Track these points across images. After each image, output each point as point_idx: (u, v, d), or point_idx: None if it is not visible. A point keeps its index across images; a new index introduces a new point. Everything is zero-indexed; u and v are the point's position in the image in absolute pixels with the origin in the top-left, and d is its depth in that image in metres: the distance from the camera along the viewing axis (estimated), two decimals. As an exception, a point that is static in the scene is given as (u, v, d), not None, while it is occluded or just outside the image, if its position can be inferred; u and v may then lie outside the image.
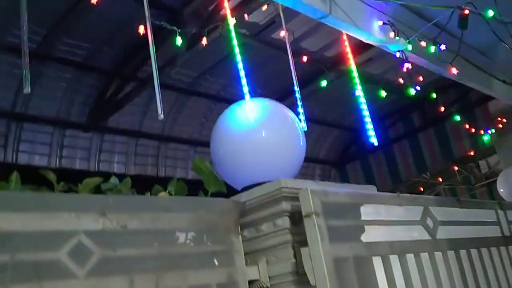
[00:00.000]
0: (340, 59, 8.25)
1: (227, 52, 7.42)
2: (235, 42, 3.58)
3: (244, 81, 3.48)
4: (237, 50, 3.54)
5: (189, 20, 6.02)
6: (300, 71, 8.19)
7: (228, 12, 3.76)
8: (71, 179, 7.61)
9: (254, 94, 9.15)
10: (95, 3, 3.91)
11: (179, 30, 4.06)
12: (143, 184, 8.68)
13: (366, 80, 8.85)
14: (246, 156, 3.28)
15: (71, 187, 2.54)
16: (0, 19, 5.85)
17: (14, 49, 5.70)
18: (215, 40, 6.08)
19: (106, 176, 8.38)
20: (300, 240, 2.77)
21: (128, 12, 5.73)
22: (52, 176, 2.59)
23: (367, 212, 2.98)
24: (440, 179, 13.18)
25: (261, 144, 3.26)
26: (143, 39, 5.93)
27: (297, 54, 7.75)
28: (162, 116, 2.97)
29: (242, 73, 3.56)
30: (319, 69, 8.51)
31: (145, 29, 3.14)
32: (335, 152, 12.37)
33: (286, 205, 2.81)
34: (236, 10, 5.56)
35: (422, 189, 13.01)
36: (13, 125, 7.06)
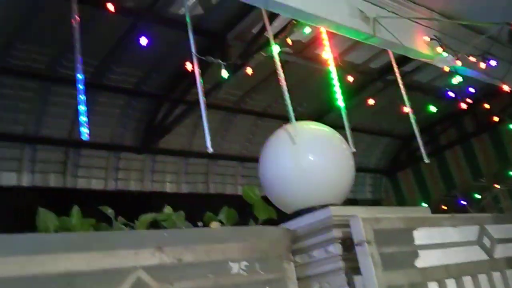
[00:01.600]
0: (386, 69, 8.17)
1: (271, 70, 7.53)
2: (279, 69, 3.62)
3: (289, 104, 3.51)
4: (282, 77, 3.57)
5: (233, 43, 6.16)
6: (347, 83, 8.20)
7: (271, 38, 3.81)
8: (127, 201, 7.85)
9: (300, 109, 9.20)
10: (145, 43, 4.06)
11: (224, 63, 4.15)
12: (195, 202, 8.84)
13: (415, 88, 8.71)
14: (294, 180, 3.29)
15: (128, 223, 2.64)
16: (55, 53, 6.17)
17: (67, 80, 6.02)
18: (259, 60, 6.18)
19: (160, 195, 8.54)
20: (353, 267, 2.76)
21: (174, 39, 5.92)
22: (109, 211, 2.71)
23: (420, 236, 2.94)
24: (496, 183, 12.72)
25: (308, 168, 3.28)
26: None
27: (342, 68, 7.74)
28: (211, 149, 3.05)
29: (287, 96, 3.58)
30: (365, 80, 8.46)
31: (192, 62, 3.22)
32: (385, 161, 12.18)
33: (337, 233, 2.81)
34: (280, 32, 5.62)
35: (479, 194, 12.58)
36: (71, 152, 7.42)
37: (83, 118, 2.61)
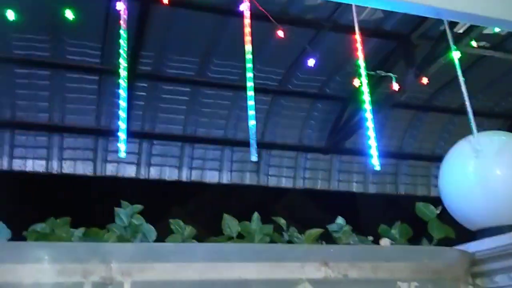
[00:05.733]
0: None
1: (467, 64, 6.95)
2: (460, 76, 3.38)
3: (470, 113, 3.25)
4: (462, 81, 3.31)
5: (419, 42, 5.88)
6: None
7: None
8: (313, 200, 8.13)
9: (503, 104, 8.27)
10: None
11: (395, 76, 4.03)
12: (383, 203, 8.63)
13: None
14: (477, 197, 3.07)
15: (296, 236, 2.79)
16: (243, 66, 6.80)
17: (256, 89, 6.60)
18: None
19: (346, 195, 8.62)
20: (543, 299, 2.47)
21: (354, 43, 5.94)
22: (282, 222, 2.90)
23: None
24: None
25: (494, 184, 3.02)
26: (375, 66, 6.07)
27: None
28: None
29: (468, 106, 3.32)
30: None
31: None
32: None
33: (523, 260, 2.55)
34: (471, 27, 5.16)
35: None
36: (263, 152, 8.02)
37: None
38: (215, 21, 5.99)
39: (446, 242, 3.01)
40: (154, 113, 7.36)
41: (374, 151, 3.24)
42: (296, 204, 7.89)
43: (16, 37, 6.08)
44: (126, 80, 2.75)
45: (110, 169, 7.59)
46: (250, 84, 2.93)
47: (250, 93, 2.84)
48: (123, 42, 2.71)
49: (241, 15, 3.85)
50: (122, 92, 2.60)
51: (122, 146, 2.55)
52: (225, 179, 7.92)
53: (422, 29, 5.78)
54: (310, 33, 6.06)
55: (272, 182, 8.15)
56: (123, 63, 2.65)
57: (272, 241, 2.83)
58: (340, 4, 5.20)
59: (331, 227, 3.07)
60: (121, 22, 2.78)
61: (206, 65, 6.82)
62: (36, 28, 5.92)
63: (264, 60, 6.68)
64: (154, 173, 7.67)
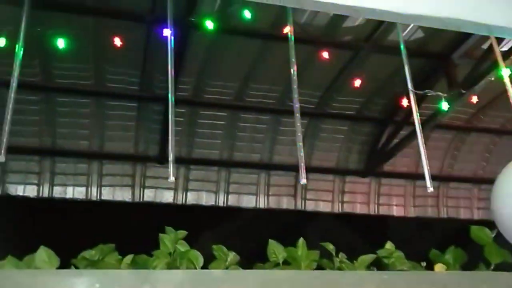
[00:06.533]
0: None
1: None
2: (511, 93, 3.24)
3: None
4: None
5: (460, 62, 5.74)
6: None
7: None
8: (353, 224, 7.92)
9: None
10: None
11: (444, 95, 3.92)
12: (423, 227, 8.32)
13: None
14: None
15: (348, 261, 2.70)
16: (283, 90, 6.74)
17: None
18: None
19: (386, 219, 8.33)
20: None
21: (395, 64, 5.85)
22: (331, 248, 2.80)
23: None
24: None
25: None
26: (414, 86, 5.96)
27: None
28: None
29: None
30: None
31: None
32: None
33: None
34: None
35: None
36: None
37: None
38: (253, 46, 6.03)
39: (505, 267, 2.86)
40: (191, 138, 7.41)
41: (426, 172, 3.11)
42: (334, 228, 7.71)
43: (58, 66, 6.27)
44: (172, 106, 2.75)
45: (148, 195, 7.63)
46: (297, 105, 2.89)
47: (297, 114, 2.79)
48: (170, 69, 2.73)
49: (278, 39, 3.84)
50: (171, 117, 2.61)
51: (171, 171, 2.54)
52: (262, 203, 7.85)
53: (464, 48, 5.66)
54: (348, 55, 6.03)
55: (310, 206, 8.04)
56: (171, 89, 2.65)
57: (318, 267, 2.74)
58: (379, 25, 5.15)
59: (381, 252, 2.95)
60: (168, 48, 2.80)
61: (243, 90, 6.86)
62: (78, 57, 6.08)
63: (301, 83, 6.65)
64: (191, 198, 7.67)
